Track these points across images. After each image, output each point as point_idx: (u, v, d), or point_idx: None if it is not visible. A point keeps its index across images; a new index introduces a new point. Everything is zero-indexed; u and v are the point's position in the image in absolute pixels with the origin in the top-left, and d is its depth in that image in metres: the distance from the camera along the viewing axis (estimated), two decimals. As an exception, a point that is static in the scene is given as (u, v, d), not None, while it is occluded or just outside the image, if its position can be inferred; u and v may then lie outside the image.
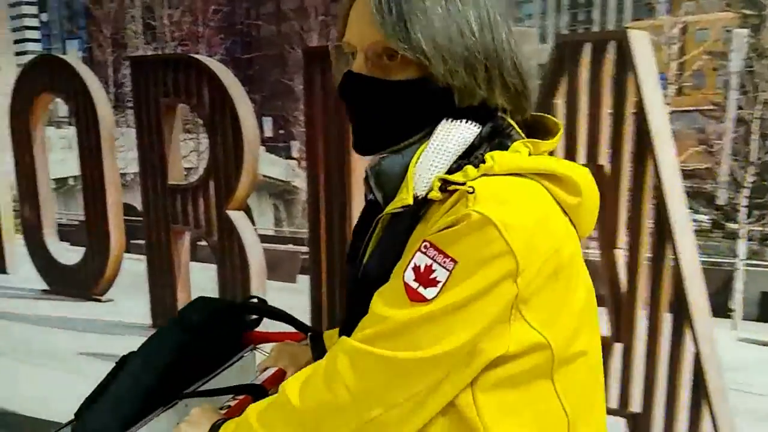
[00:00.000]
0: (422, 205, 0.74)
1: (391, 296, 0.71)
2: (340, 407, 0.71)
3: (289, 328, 1.20)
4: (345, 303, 0.89)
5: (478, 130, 0.76)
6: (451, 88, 0.75)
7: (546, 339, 0.69)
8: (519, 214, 0.69)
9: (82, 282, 2.86)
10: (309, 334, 1.13)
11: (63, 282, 2.91)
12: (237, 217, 2.53)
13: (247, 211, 2.62)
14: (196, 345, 1.11)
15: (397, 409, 0.70)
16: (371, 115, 0.79)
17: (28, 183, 2.87)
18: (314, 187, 2.28)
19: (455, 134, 0.76)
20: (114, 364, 1.05)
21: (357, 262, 0.80)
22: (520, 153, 0.74)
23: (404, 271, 0.70)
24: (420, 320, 0.69)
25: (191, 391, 1.05)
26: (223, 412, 0.91)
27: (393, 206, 0.75)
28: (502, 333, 0.69)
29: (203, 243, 2.70)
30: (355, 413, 0.71)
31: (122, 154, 2.61)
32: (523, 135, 0.77)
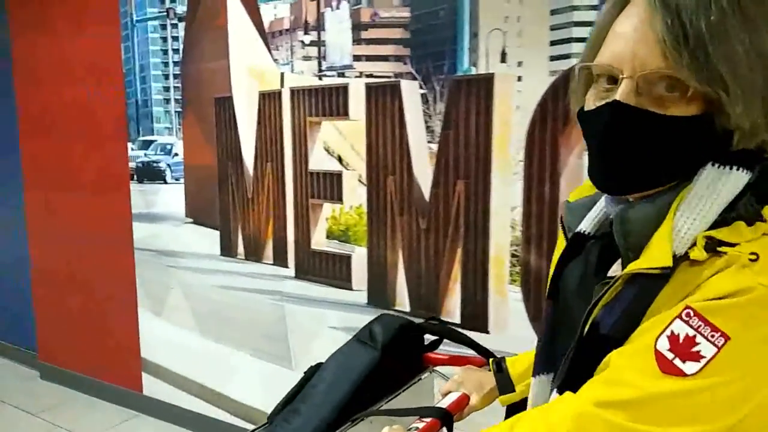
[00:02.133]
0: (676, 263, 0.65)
1: (637, 362, 0.65)
2: None
3: (467, 351, 1.23)
4: (545, 342, 0.85)
5: (748, 178, 0.68)
6: (734, 128, 0.66)
7: None
8: None
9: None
10: (492, 360, 1.13)
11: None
12: None
13: None
14: (384, 362, 1.14)
15: None
16: (638, 152, 0.70)
17: (540, 220, 2.23)
18: None
19: (725, 183, 0.68)
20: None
21: (584, 316, 0.72)
22: None
23: (657, 338, 0.64)
24: (672, 395, 0.62)
25: (381, 409, 1.09)
26: None
27: (645, 265, 0.67)
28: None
29: None
30: None
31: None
32: None
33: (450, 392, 1.12)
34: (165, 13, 3.10)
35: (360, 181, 2.62)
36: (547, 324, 0.85)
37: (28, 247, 3.92)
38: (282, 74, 2.78)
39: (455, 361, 1.24)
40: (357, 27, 2.54)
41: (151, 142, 3.29)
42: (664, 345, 0.63)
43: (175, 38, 3.10)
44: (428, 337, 1.32)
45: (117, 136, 3.36)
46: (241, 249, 3.05)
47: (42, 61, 3.61)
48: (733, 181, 0.68)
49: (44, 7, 3.53)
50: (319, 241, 2.79)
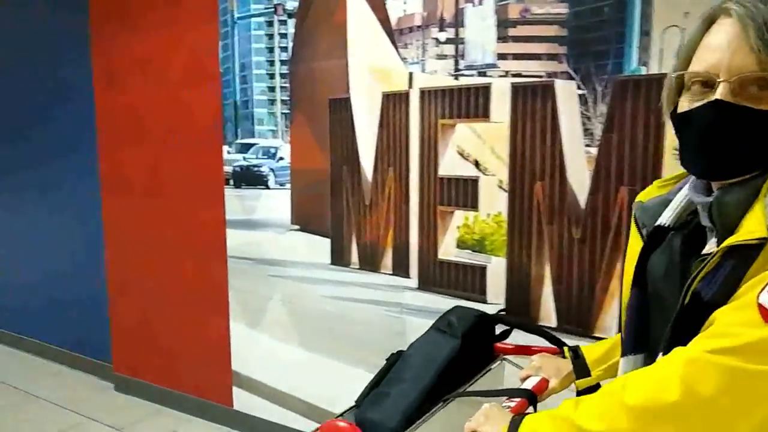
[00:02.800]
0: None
1: (742, 315, 0.73)
2: (667, 407, 0.72)
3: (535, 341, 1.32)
4: (632, 325, 0.96)
5: None
6: None
7: None
8: None
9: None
10: (569, 348, 1.22)
11: None
12: None
13: None
14: (464, 350, 1.20)
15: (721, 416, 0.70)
16: (737, 142, 0.83)
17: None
18: None
19: None
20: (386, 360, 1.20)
21: (685, 287, 0.81)
22: None
23: (759, 293, 0.72)
24: None
25: (471, 391, 1.17)
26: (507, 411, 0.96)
27: (743, 238, 0.77)
28: None
29: None
30: (681, 415, 0.71)
31: None
32: None
33: (529, 376, 1.19)
34: (272, 10, 2.94)
35: (500, 187, 2.46)
36: (635, 309, 0.96)
37: (104, 254, 3.76)
38: (410, 74, 2.62)
39: (523, 350, 1.33)
40: (503, 24, 2.38)
41: (251, 145, 3.13)
42: (766, 299, 0.71)
43: (283, 36, 2.94)
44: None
45: (211, 139, 3.20)
46: (355, 258, 2.89)
47: (126, 59, 3.44)
48: None
49: (129, 1, 3.37)
50: (447, 250, 2.64)
